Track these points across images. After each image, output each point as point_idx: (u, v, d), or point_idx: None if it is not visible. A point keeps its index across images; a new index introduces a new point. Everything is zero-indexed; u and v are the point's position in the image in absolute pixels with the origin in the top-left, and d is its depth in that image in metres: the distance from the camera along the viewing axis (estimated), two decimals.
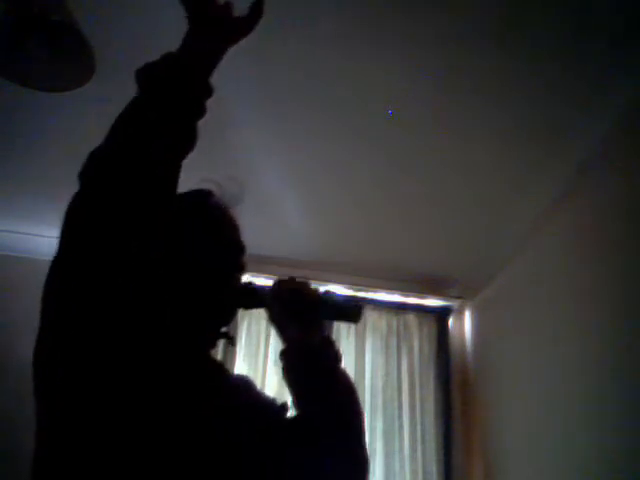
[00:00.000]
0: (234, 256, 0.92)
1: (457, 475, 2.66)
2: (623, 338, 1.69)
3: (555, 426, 2.03)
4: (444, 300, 2.99)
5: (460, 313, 3.03)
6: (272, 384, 2.59)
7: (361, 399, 0.90)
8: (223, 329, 0.91)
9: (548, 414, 2.09)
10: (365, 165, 2.15)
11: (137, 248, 0.66)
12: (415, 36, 1.59)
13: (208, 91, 0.76)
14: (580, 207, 2.00)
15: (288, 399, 0.89)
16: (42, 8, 1.35)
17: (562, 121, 1.84)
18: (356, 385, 0.91)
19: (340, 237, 2.65)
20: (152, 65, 0.73)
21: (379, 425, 2.66)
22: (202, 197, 0.94)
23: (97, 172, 0.67)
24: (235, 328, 2.62)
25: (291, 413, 0.88)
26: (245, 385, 0.94)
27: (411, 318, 2.95)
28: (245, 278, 0.94)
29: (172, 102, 0.72)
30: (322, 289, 0.94)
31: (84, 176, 0.68)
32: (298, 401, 0.88)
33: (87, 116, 1.85)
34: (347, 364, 2.64)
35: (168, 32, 1.60)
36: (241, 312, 1.05)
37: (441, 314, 2.99)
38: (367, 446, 0.88)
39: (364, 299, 2.89)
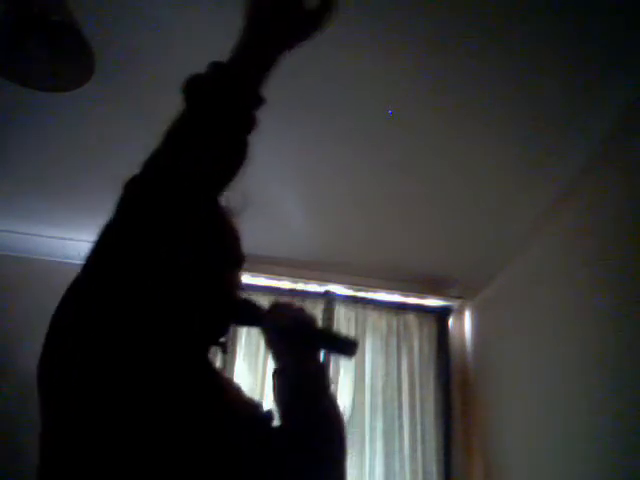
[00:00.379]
0: (232, 268, 0.92)
1: (457, 475, 2.66)
2: (623, 338, 1.69)
3: (555, 426, 2.03)
4: (444, 300, 2.99)
5: (460, 313, 3.02)
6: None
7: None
8: (221, 339, 0.91)
9: (548, 414, 2.09)
10: (365, 165, 2.15)
11: (167, 254, 0.65)
12: (415, 36, 1.59)
13: (259, 102, 0.70)
14: (580, 207, 2.00)
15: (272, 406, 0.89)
16: (42, 8, 1.35)
17: (562, 121, 1.84)
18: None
19: (340, 237, 2.65)
20: (200, 77, 0.69)
21: (379, 425, 2.64)
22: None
23: (145, 183, 0.66)
24: (235, 328, 2.61)
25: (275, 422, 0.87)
26: (238, 391, 0.94)
27: (411, 318, 2.95)
28: (244, 295, 0.93)
29: (220, 116, 0.67)
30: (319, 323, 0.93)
31: (135, 184, 0.66)
32: (284, 419, 0.86)
33: (87, 116, 1.84)
34: (347, 364, 2.67)
35: (168, 32, 1.61)
36: None
37: (441, 314, 2.99)
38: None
39: (364, 299, 2.90)
